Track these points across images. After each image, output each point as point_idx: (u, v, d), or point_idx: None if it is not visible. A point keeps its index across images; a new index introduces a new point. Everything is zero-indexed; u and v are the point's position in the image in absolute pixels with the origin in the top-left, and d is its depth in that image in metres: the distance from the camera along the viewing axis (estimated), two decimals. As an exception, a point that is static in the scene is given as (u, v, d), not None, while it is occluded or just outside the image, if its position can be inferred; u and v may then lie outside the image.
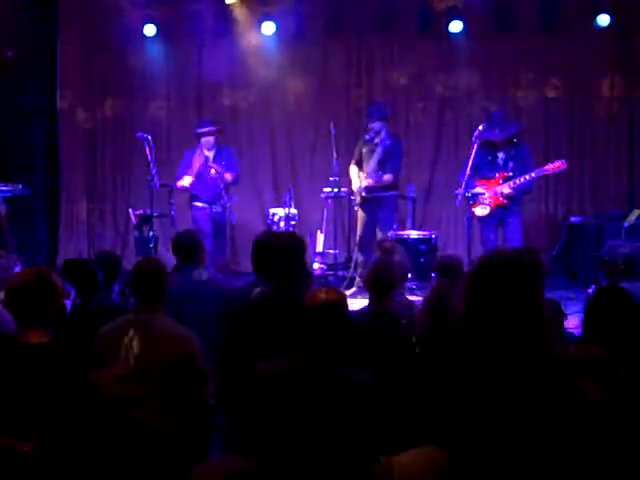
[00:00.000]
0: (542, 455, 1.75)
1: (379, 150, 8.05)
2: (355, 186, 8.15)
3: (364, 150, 8.18)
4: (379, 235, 7.99)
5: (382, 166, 8.02)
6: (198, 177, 8.16)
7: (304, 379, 2.90)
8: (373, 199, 8.03)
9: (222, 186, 8.03)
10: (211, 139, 8.24)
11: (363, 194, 8.03)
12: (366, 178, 8.05)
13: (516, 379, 1.83)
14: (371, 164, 8.06)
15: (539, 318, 1.90)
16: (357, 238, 8.20)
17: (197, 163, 8.18)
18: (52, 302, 3.15)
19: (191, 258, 5.13)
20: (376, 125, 8.08)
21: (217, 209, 8.20)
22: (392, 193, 8.15)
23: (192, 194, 8.27)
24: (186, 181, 8.16)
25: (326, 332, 2.97)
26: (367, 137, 8.19)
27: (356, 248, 8.17)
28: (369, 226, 8.11)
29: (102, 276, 4.66)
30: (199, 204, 8.25)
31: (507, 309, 1.88)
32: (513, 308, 1.89)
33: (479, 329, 1.88)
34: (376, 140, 8.10)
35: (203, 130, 8.25)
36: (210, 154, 8.21)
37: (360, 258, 8.00)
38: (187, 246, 5.17)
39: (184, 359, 3.33)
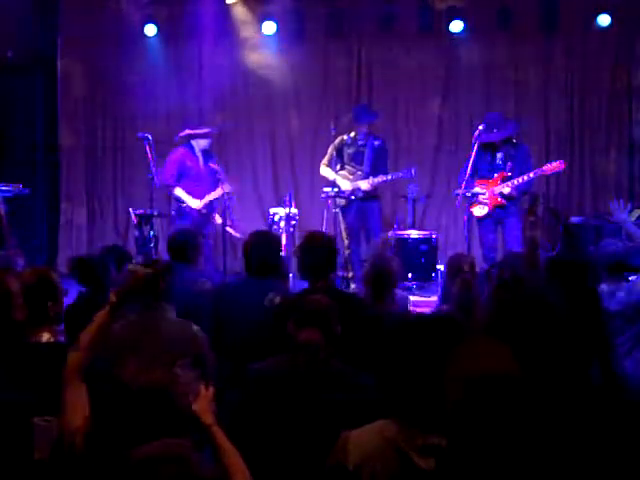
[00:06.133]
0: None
1: (368, 152, 8.03)
2: (345, 187, 8.05)
3: (349, 151, 8.11)
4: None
5: (374, 168, 8.03)
6: (198, 179, 7.88)
7: (300, 379, 2.90)
8: (365, 201, 8.01)
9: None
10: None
11: (360, 195, 8.01)
12: (365, 179, 7.98)
13: None
14: (365, 166, 8.03)
15: None
16: (346, 242, 8.08)
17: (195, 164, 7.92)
18: (55, 301, 3.19)
19: (185, 258, 5.10)
20: (365, 127, 8.06)
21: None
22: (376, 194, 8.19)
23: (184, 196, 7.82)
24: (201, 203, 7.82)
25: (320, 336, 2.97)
26: (347, 138, 8.10)
27: (348, 251, 8.10)
28: (357, 228, 8.09)
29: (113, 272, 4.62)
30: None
31: None
32: None
33: None
34: (360, 142, 8.07)
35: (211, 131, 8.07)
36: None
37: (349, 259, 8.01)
38: (180, 246, 5.14)
39: None
